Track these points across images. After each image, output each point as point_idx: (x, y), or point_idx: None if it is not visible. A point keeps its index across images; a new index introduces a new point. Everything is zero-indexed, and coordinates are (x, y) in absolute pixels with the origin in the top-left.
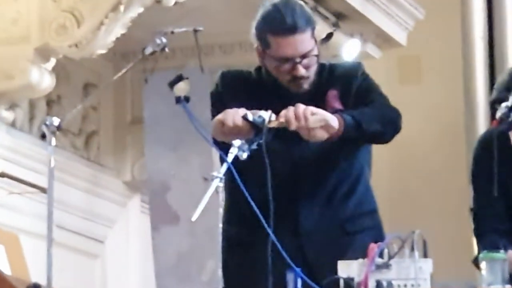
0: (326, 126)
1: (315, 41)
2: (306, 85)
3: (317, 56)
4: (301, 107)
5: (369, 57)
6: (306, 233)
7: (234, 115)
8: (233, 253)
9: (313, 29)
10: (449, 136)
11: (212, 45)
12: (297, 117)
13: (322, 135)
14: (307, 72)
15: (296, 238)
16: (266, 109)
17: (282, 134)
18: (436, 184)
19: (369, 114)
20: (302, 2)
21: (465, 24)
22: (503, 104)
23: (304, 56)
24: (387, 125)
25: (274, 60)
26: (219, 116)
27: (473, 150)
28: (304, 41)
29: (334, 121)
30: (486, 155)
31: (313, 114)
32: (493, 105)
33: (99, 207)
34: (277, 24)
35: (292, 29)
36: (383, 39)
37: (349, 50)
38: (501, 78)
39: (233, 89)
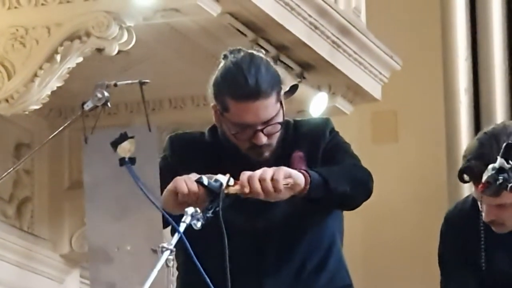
0: (292, 185)
1: (281, 104)
2: (267, 153)
3: (281, 123)
4: (267, 178)
5: (339, 112)
6: None
7: (187, 181)
8: None
9: (278, 92)
10: (430, 201)
11: (161, 99)
12: (265, 191)
13: (284, 195)
14: (269, 140)
15: None
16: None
17: (241, 203)
18: (414, 255)
19: (337, 173)
20: (268, 59)
21: (447, 75)
22: (490, 166)
23: (266, 123)
24: (357, 187)
25: (232, 125)
26: (169, 187)
27: (442, 227)
28: (267, 107)
29: (299, 179)
30: (457, 232)
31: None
32: (462, 176)
33: (33, 284)
34: (238, 88)
35: (255, 94)
36: (355, 93)
37: (316, 105)
38: (469, 145)
39: (185, 156)
